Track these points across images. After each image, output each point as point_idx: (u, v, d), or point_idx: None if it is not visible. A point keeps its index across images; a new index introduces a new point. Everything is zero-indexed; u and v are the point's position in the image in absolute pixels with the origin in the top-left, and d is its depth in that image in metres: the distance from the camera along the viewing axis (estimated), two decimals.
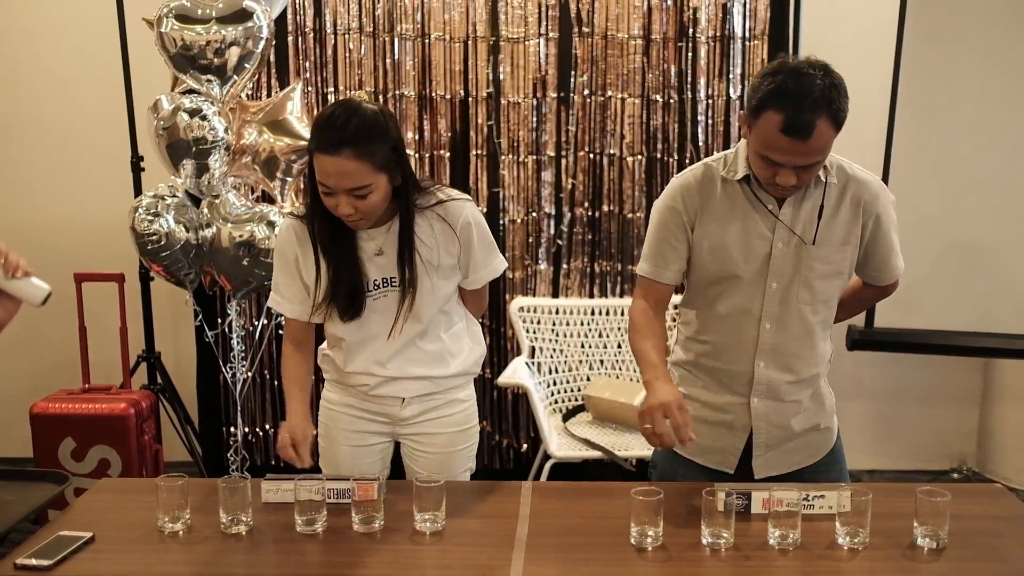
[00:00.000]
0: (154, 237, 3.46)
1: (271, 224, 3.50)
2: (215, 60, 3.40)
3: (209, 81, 3.44)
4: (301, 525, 2.06)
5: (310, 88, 4.01)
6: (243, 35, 3.41)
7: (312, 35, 3.97)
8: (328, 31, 3.97)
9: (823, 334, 2.33)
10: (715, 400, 2.34)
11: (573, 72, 4.00)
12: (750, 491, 2.10)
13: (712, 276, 2.27)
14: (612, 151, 4.05)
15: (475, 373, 2.54)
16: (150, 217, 3.47)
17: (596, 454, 3.64)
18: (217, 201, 3.55)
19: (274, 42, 3.65)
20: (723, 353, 2.32)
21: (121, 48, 3.79)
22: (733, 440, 2.35)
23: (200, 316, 3.83)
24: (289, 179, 3.63)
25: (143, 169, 3.88)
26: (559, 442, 3.72)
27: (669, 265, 2.28)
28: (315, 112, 4.01)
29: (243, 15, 3.41)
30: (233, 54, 3.40)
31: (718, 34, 3.96)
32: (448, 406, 2.47)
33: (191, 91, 3.52)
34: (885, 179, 3.65)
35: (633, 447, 3.70)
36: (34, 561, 1.91)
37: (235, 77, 3.46)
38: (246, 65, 3.46)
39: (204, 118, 3.42)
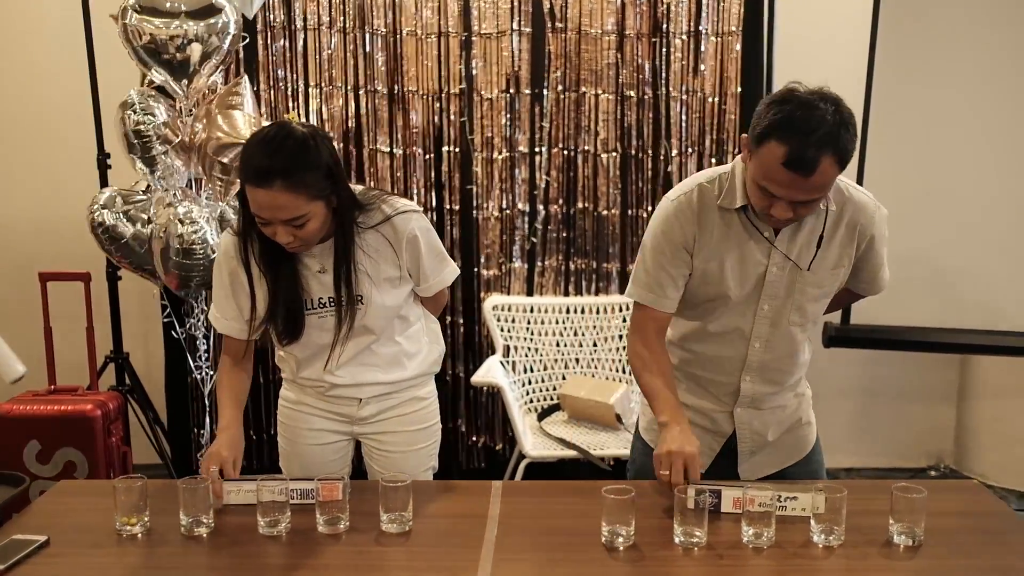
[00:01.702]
0: (99, 229, 3.47)
1: (194, 222, 3.42)
2: (177, 55, 3.34)
3: (171, 76, 3.38)
4: (264, 527, 2.01)
5: (280, 84, 3.95)
6: (208, 30, 3.35)
7: (282, 30, 3.91)
8: (298, 26, 3.91)
9: (808, 346, 2.31)
10: (697, 404, 2.31)
11: (547, 68, 3.96)
12: (720, 488, 2.06)
13: (703, 296, 2.22)
14: (586, 148, 4.01)
15: (434, 372, 2.49)
16: (98, 209, 3.46)
17: (572, 453, 3.60)
18: (162, 196, 3.49)
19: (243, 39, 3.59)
20: (709, 365, 2.29)
21: (87, 44, 3.72)
22: (711, 442, 2.33)
23: (168, 310, 3.76)
24: (227, 177, 3.49)
25: (109, 166, 3.81)
26: (534, 441, 3.68)
27: (667, 292, 2.20)
28: (283, 109, 3.95)
29: (211, 10, 3.36)
30: (196, 49, 3.35)
31: (692, 30, 3.93)
32: (407, 404, 2.43)
33: (158, 87, 3.47)
34: (860, 177, 3.64)
35: (609, 446, 3.66)
36: None
37: (198, 72, 3.39)
38: (210, 61, 3.40)
39: (136, 111, 3.37)
